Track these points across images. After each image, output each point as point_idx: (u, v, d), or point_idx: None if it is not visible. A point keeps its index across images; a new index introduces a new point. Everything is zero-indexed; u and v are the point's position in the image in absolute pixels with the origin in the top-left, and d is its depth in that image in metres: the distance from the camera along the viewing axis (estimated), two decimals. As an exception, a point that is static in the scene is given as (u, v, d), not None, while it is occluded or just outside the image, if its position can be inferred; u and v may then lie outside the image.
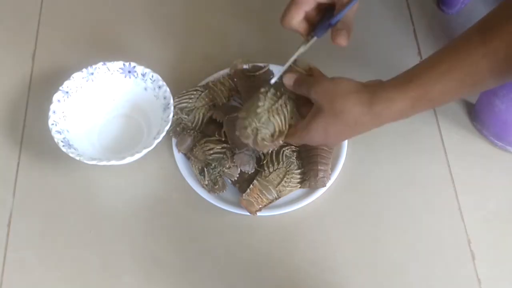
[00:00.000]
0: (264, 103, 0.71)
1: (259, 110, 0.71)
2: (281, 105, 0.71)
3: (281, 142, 0.73)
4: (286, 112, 0.72)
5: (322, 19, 0.71)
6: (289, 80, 0.70)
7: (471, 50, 0.58)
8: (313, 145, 0.78)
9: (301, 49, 0.72)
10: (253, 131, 0.71)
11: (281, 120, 0.71)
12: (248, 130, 0.71)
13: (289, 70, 0.72)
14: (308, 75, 0.70)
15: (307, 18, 0.72)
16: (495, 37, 0.56)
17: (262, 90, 0.72)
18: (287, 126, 0.72)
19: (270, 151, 0.80)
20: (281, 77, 0.71)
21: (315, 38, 0.71)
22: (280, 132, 0.72)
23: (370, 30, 0.97)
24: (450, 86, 0.59)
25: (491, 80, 0.58)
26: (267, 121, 0.71)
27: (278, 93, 0.72)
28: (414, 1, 1.00)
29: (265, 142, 0.71)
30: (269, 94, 0.72)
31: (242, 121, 0.72)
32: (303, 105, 0.71)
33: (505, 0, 0.56)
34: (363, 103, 0.63)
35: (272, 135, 0.71)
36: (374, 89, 0.63)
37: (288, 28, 0.72)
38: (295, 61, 0.72)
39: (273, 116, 0.71)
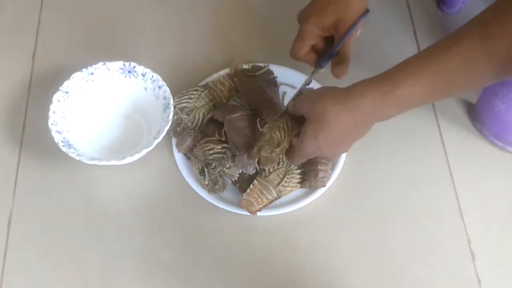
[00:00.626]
0: (268, 123, 0.77)
1: (264, 130, 0.77)
2: (282, 123, 0.77)
3: (280, 156, 0.77)
4: (286, 128, 0.76)
5: (326, 50, 0.78)
6: (289, 105, 0.77)
7: (442, 50, 0.60)
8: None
9: (308, 78, 0.80)
10: (259, 150, 0.76)
11: (281, 135, 0.76)
12: (255, 149, 0.76)
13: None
14: None
15: (315, 50, 0.79)
16: (464, 37, 0.58)
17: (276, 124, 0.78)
18: (287, 139, 0.76)
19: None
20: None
21: (319, 69, 0.79)
22: (279, 146, 0.76)
23: (370, 30, 0.96)
24: (420, 85, 0.61)
25: (460, 81, 0.60)
26: (270, 138, 0.76)
27: (280, 113, 0.78)
28: (414, 1, 1.00)
29: (267, 156, 0.76)
30: (271, 115, 0.78)
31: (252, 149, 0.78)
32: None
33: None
34: (339, 100, 0.66)
35: (274, 149, 0.76)
36: (349, 87, 0.66)
37: (297, 59, 0.78)
38: (302, 90, 0.79)
39: (275, 132, 0.76)
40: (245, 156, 0.78)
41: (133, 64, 0.85)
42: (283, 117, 0.77)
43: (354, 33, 0.76)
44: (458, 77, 0.60)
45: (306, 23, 0.76)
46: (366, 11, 0.77)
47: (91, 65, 0.84)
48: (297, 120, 0.76)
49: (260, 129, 0.80)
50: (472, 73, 0.59)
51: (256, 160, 0.78)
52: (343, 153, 0.81)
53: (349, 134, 0.70)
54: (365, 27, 0.97)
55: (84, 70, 0.84)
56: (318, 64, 0.78)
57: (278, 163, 0.79)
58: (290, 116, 0.77)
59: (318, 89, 0.71)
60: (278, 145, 0.76)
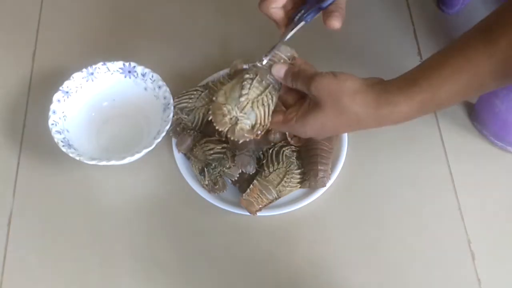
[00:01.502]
0: (249, 92, 0.66)
1: (242, 99, 0.66)
2: (266, 96, 0.67)
3: (259, 133, 0.68)
4: (271, 104, 0.67)
5: (311, 4, 0.69)
6: (278, 71, 0.67)
7: (475, 51, 0.56)
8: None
9: (289, 35, 0.69)
10: (232, 120, 0.67)
11: (264, 112, 0.67)
12: (227, 118, 0.67)
13: (272, 58, 0.68)
14: (291, 64, 0.68)
15: (285, 10, 0.71)
16: (500, 38, 0.55)
17: (247, 76, 0.67)
18: (269, 119, 0.68)
19: (270, 152, 0.80)
20: (268, 65, 0.68)
21: (303, 23, 0.69)
22: (261, 125, 0.67)
23: (370, 30, 0.97)
24: (456, 89, 0.58)
25: (495, 82, 0.58)
26: (249, 112, 0.67)
27: (264, 82, 0.67)
28: (414, 1, 1.00)
29: (244, 133, 0.67)
30: (254, 82, 0.67)
31: (219, 106, 0.67)
32: (286, 92, 0.68)
33: (507, 2, 0.56)
34: (369, 105, 0.61)
35: (253, 127, 0.67)
36: (379, 91, 0.61)
37: (265, 12, 0.70)
38: (277, 47, 0.68)
39: (257, 107, 0.67)
40: (210, 117, 0.69)
41: (133, 64, 0.85)
42: (268, 87, 0.67)
43: None
44: (490, 79, 0.57)
45: None
46: None
47: (91, 65, 0.84)
48: (280, 87, 0.68)
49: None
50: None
51: (226, 129, 0.68)
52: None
53: (360, 129, 0.65)
54: (365, 27, 0.97)
55: (84, 70, 0.84)
56: (303, 17, 0.69)
57: (278, 161, 0.79)
58: (273, 84, 0.68)
59: (340, 78, 0.62)
60: (261, 126, 0.67)
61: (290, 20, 0.70)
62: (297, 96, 0.68)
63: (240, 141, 0.68)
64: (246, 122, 0.67)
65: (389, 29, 0.97)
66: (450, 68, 0.58)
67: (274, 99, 0.68)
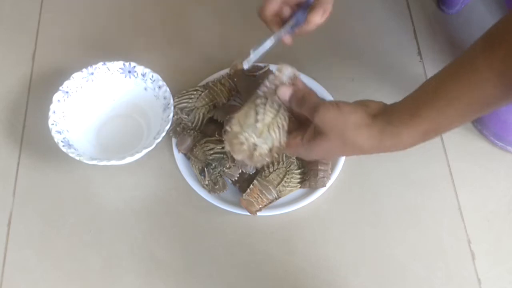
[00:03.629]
0: (264, 117, 0.66)
1: (259, 125, 0.66)
2: (279, 118, 0.67)
3: (276, 156, 0.68)
4: (284, 124, 0.67)
5: (301, 7, 0.72)
6: (284, 95, 0.67)
7: (475, 73, 0.55)
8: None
9: (283, 31, 0.72)
10: (251, 147, 0.67)
11: (280, 134, 0.67)
12: (245, 146, 0.67)
13: (274, 77, 0.67)
14: (292, 84, 0.68)
15: (280, 17, 0.73)
16: (499, 56, 0.53)
17: (259, 101, 0.67)
18: (285, 139, 0.67)
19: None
20: (274, 88, 0.68)
21: (294, 20, 0.72)
22: (278, 147, 0.67)
23: (370, 30, 0.97)
24: (458, 114, 0.58)
25: (500, 102, 0.57)
26: (266, 136, 0.66)
27: (275, 105, 0.67)
28: (414, 1, 1.00)
29: (263, 158, 0.67)
30: (267, 107, 0.67)
31: (235, 135, 0.67)
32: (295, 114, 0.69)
33: (508, 14, 0.54)
34: (373, 138, 0.61)
35: (270, 150, 0.67)
36: (382, 125, 0.61)
37: (264, 19, 0.73)
38: (279, 68, 0.68)
39: (273, 130, 0.66)
40: (227, 148, 0.69)
41: (133, 64, 0.85)
42: (280, 109, 0.67)
43: None
44: (493, 99, 0.56)
45: None
46: None
47: (91, 65, 0.84)
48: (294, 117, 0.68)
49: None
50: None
51: (245, 157, 0.67)
52: None
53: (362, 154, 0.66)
54: (365, 27, 0.97)
55: (84, 70, 0.84)
56: (295, 16, 0.72)
57: (278, 161, 0.79)
58: (283, 106, 0.67)
59: (344, 111, 0.61)
60: (277, 149, 0.67)
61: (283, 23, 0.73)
62: (301, 118, 0.68)
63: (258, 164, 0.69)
64: (264, 147, 0.66)
65: (389, 29, 0.97)
66: (451, 94, 0.57)
67: (287, 119, 0.68)
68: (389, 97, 0.63)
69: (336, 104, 0.62)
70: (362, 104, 0.63)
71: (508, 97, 0.56)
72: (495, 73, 0.54)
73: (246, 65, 0.74)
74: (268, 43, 0.73)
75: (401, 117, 0.60)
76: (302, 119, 0.68)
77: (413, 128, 0.60)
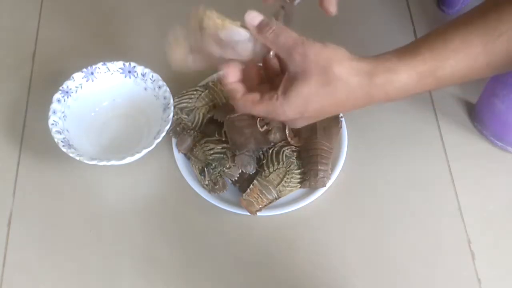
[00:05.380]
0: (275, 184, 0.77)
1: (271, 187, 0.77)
2: (288, 174, 0.78)
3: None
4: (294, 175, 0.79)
5: None
6: (253, 20, 0.60)
7: (487, 27, 0.52)
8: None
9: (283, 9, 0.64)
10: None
11: (292, 184, 0.79)
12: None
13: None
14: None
15: None
16: (498, 15, 0.52)
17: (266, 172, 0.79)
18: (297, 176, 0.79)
19: (270, 152, 0.80)
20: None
21: None
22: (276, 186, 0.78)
23: (370, 30, 0.97)
24: (462, 65, 0.54)
25: (507, 64, 0.54)
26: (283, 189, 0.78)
27: (282, 170, 0.78)
28: (414, 1, 1.00)
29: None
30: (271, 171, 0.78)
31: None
32: (266, 66, 0.62)
33: None
34: (363, 73, 0.54)
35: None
36: (376, 59, 0.55)
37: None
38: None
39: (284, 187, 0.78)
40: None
41: (133, 64, 0.85)
42: (287, 173, 0.78)
43: None
44: (502, 58, 0.53)
45: None
46: None
47: (91, 65, 0.84)
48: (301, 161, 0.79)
49: (260, 129, 0.79)
50: None
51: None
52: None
53: (347, 111, 0.58)
54: (366, 26, 0.97)
55: (84, 70, 0.84)
56: None
57: (278, 161, 0.79)
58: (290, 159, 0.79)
59: (330, 46, 0.55)
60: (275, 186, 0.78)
61: None
62: (276, 71, 0.62)
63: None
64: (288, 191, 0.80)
65: (389, 29, 0.97)
66: (457, 40, 0.53)
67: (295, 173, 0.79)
68: (389, 97, 0.63)
69: (319, 41, 0.56)
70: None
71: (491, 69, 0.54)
72: (506, 36, 0.52)
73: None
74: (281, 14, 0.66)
75: (399, 55, 0.55)
76: (270, 73, 0.61)
77: (411, 66, 0.54)
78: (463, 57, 0.53)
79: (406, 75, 0.54)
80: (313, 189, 0.80)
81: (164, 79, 0.84)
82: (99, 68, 0.84)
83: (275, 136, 0.81)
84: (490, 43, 0.53)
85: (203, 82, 0.88)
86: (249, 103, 0.60)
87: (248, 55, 0.61)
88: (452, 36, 0.54)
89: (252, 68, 0.64)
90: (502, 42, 0.52)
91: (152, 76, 0.84)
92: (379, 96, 0.56)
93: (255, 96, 0.60)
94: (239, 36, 0.59)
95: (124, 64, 0.85)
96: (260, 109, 0.60)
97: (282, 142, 0.81)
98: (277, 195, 0.79)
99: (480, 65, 0.54)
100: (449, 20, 0.56)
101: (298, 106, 0.57)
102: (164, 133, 0.79)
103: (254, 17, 0.59)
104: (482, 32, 0.53)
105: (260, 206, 0.78)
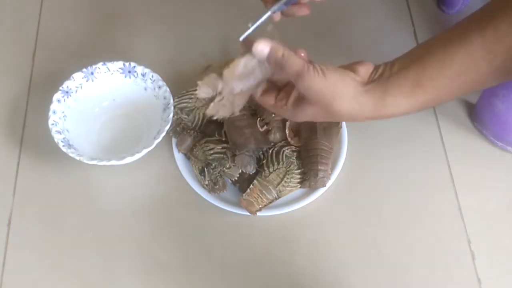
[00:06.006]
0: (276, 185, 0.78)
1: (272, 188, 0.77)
2: (287, 175, 0.78)
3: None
4: (294, 174, 0.79)
5: None
6: (261, 51, 0.60)
7: (472, 49, 0.54)
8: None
9: (275, 7, 0.67)
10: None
11: (292, 184, 0.79)
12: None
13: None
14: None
15: None
16: (495, 32, 0.52)
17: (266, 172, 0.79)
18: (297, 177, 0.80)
19: (270, 152, 0.80)
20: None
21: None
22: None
23: (370, 30, 0.97)
24: (458, 89, 0.56)
25: (496, 79, 0.56)
26: (283, 189, 0.79)
27: (282, 170, 0.79)
28: (414, 1, 1.00)
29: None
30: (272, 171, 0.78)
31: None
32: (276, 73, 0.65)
33: None
34: (366, 109, 0.58)
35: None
36: (379, 94, 0.58)
37: None
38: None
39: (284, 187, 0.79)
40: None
41: (133, 64, 0.85)
42: (287, 173, 0.78)
43: None
44: (488, 76, 0.55)
45: None
46: None
47: (91, 65, 0.84)
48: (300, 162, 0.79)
49: (260, 129, 0.79)
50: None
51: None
52: None
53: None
54: (365, 26, 0.97)
55: (84, 70, 0.84)
56: None
57: (278, 161, 0.79)
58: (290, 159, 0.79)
59: (332, 79, 0.58)
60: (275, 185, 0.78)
61: None
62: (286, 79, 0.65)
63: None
64: (288, 190, 0.80)
65: (389, 29, 0.97)
66: (454, 68, 0.55)
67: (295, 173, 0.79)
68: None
69: (322, 71, 0.58)
70: (350, 69, 0.60)
71: (503, 76, 0.56)
72: (490, 56, 0.54)
73: (242, 38, 0.66)
74: (264, 16, 0.68)
75: (402, 88, 0.57)
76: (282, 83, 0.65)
77: (414, 99, 0.57)
78: (458, 84, 0.56)
79: (408, 106, 0.58)
80: (313, 189, 0.80)
81: (164, 79, 0.84)
82: (99, 68, 0.84)
83: (275, 136, 0.81)
84: (479, 66, 0.55)
85: (203, 82, 0.88)
86: (266, 106, 0.66)
87: (270, 72, 0.64)
88: (445, 64, 0.56)
89: None
90: (485, 63, 0.55)
91: (152, 76, 0.84)
92: (382, 118, 0.60)
93: (271, 100, 0.65)
94: (252, 62, 0.63)
95: (124, 64, 0.85)
96: (274, 112, 0.67)
97: (282, 142, 0.81)
98: (277, 195, 0.79)
99: (476, 83, 0.56)
100: (440, 38, 0.58)
101: (305, 118, 0.62)
102: (164, 133, 0.79)
103: (262, 50, 0.60)
104: (472, 57, 0.55)
105: (260, 206, 0.78)
